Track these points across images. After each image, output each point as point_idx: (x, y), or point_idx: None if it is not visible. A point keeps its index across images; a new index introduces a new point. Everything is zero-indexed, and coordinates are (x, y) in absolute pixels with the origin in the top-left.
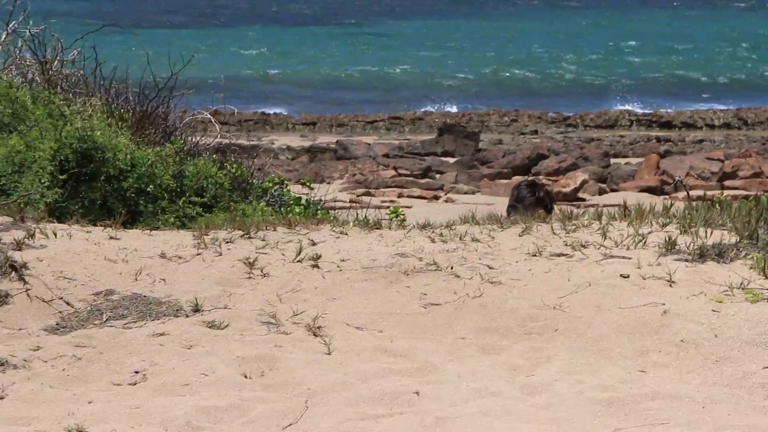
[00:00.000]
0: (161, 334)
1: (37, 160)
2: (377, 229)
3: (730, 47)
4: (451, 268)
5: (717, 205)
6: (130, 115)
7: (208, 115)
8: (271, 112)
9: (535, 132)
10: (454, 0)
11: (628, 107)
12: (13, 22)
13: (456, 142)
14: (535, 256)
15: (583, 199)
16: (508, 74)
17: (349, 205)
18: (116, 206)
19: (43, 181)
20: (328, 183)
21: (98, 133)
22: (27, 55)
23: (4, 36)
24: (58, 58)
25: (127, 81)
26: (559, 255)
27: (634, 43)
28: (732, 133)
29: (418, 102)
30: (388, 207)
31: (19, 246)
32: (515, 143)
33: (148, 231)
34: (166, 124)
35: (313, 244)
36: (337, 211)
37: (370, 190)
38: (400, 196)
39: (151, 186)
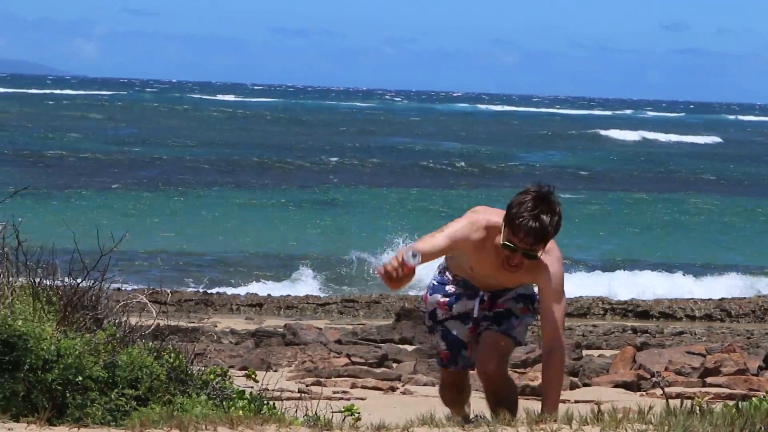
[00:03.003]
0: None
1: None
2: (327, 430)
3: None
4: None
5: (698, 409)
6: (57, 299)
7: (144, 299)
8: (214, 291)
9: None
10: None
11: (601, 294)
12: None
13: (415, 329)
14: None
15: None
16: None
17: (298, 395)
18: (40, 399)
19: None
20: (275, 370)
21: (19, 322)
22: None
23: None
24: None
25: (54, 260)
26: None
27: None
28: (714, 325)
29: (375, 282)
30: (340, 398)
31: None
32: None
33: (77, 428)
34: (97, 310)
35: None
36: (284, 402)
37: (321, 380)
38: (353, 386)
39: (80, 377)
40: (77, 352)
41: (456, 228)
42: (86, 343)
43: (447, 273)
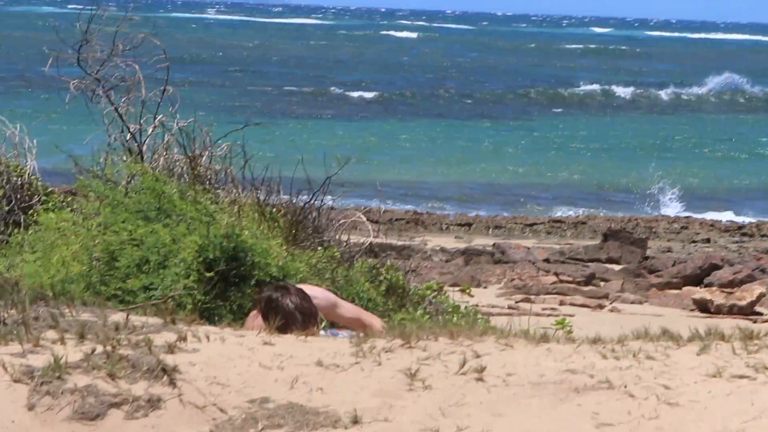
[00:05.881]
0: None
1: (181, 255)
2: (544, 342)
3: None
4: (625, 386)
5: None
6: (281, 218)
7: (362, 216)
8: (424, 211)
9: (707, 240)
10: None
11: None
12: (161, 115)
13: (622, 249)
14: (715, 377)
15: (761, 314)
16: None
17: (507, 311)
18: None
19: (189, 278)
20: (485, 287)
21: (247, 233)
22: (175, 149)
23: (151, 129)
24: (207, 153)
25: (278, 181)
26: (741, 377)
27: None
28: None
29: (581, 203)
30: (549, 315)
31: (171, 349)
32: (686, 252)
33: (304, 337)
34: (315, 226)
35: (477, 356)
36: (495, 318)
37: (530, 297)
38: (561, 303)
39: None
40: (301, 275)
41: None
42: (311, 265)
43: None
